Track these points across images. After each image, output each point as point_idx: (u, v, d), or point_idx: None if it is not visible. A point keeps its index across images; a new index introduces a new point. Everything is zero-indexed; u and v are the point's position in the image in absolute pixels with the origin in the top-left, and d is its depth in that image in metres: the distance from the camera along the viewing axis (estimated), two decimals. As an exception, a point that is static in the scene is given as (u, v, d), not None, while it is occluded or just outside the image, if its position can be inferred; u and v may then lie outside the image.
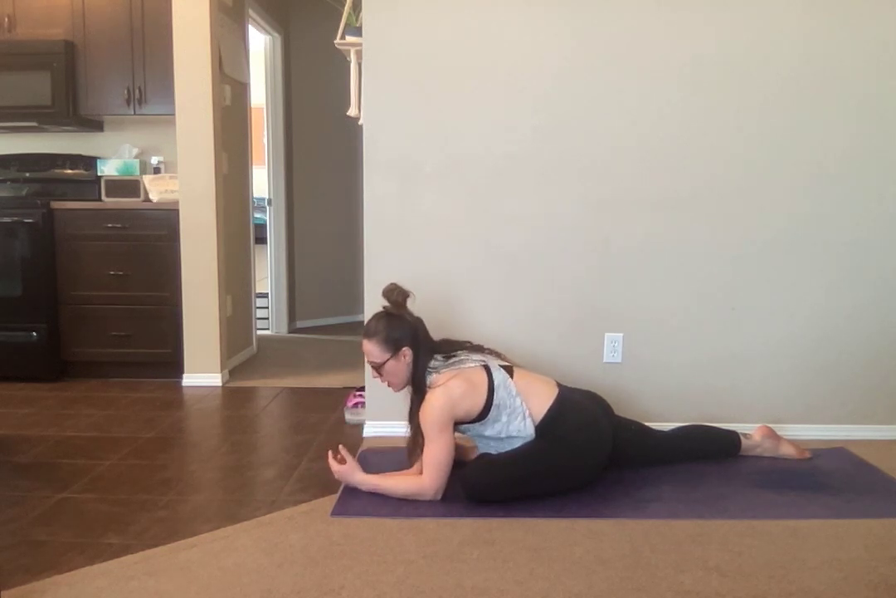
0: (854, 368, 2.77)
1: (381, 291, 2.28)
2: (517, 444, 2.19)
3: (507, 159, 2.71)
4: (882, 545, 1.89)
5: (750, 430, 2.57)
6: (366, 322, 2.31)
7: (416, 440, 2.21)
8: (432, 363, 2.25)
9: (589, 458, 2.22)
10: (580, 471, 2.23)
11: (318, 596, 1.64)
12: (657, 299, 2.76)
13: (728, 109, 2.67)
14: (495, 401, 2.16)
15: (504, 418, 2.18)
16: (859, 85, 2.66)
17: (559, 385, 2.30)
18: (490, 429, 2.20)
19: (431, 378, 2.22)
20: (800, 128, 2.68)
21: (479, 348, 2.34)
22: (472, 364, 2.24)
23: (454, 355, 2.28)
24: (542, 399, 2.21)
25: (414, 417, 2.22)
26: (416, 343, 2.23)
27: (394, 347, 2.22)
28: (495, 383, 2.19)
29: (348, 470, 2.21)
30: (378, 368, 2.26)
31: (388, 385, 2.31)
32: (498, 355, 2.35)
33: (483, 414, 2.17)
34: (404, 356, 2.23)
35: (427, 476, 2.14)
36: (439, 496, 2.15)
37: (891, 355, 2.76)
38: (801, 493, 2.23)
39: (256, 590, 1.66)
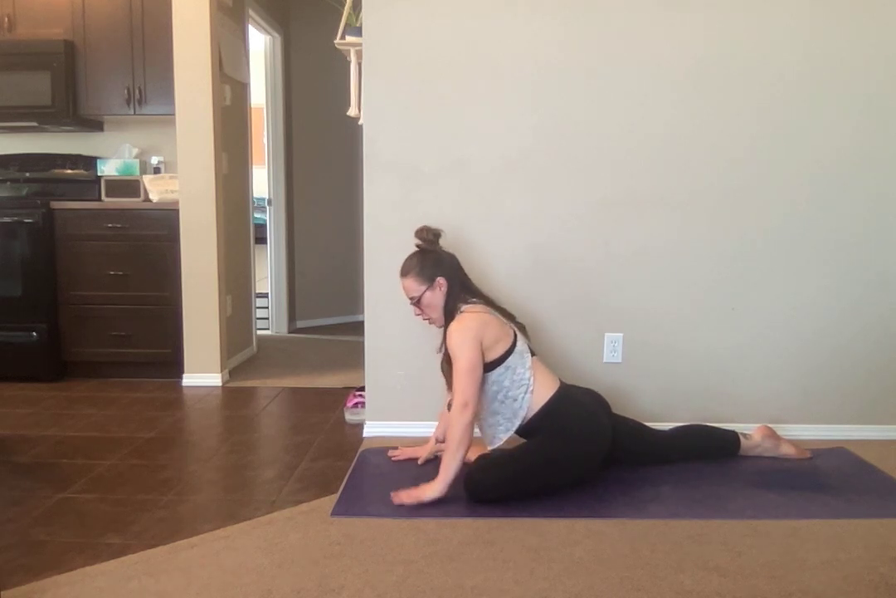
0: (854, 368, 2.77)
1: (413, 233, 2.37)
2: (508, 414, 2.23)
3: (507, 159, 2.71)
4: (882, 545, 1.89)
5: (750, 430, 2.57)
6: (402, 263, 2.37)
7: (449, 366, 2.25)
8: (465, 297, 2.32)
9: (588, 449, 2.23)
10: (579, 463, 2.22)
11: (318, 596, 1.64)
12: (657, 299, 2.76)
13: (728, 110, 2.67)
14: (509, 361, 2.22)
15: (507, 383, 2.22)
16: (860, 85, 2.66)
17: (561, 381, 2.32)
18: (494, 384, 2.23)
19: (464, 307, 2.28)
20: (800, 128, 2.68)
21: (510, 316, 2.39)
22: (504, 320, 2.32)
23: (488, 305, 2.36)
24: (545, 389, 2.25)
25: (444, 346, 2.29)
26: (450, 274, 2.32)
27: (429, 278, 2.30)
28: (516, 347, 2.25)
29: (416, 493, 2.14)
30: (417, 302, 2.32)
31: (430, 322, 2.37)
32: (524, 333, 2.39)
33: (500, 360, 2.22)
34: (440, 287, 2.30)
35: (458, 391, 2.15)
36: (474, 405, 2.15)
37: (891, 355, 2.76)
38: (801, 493, 2.23)
39: (256, 590, 1.66)
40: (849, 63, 2.65)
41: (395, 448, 2.60)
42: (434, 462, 2.45)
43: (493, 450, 2.34)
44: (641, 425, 2.47)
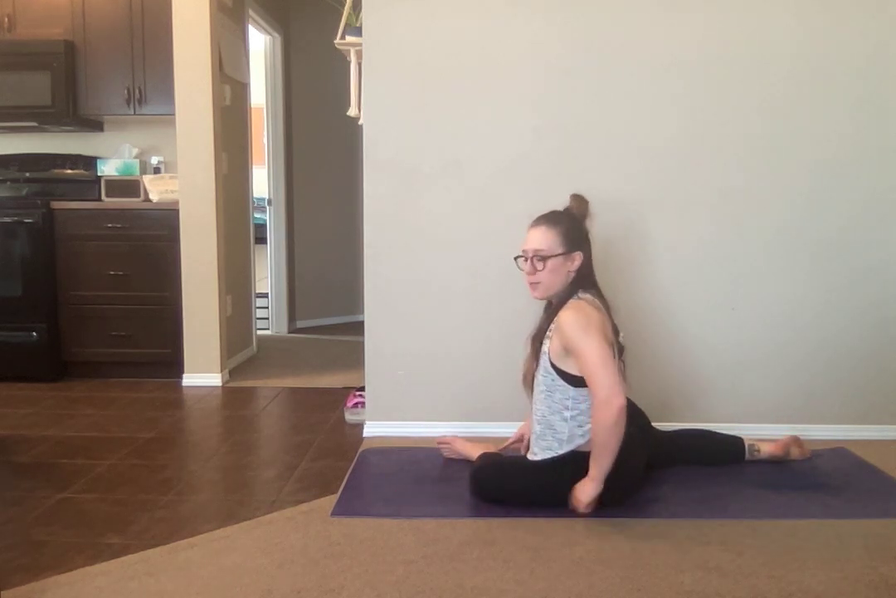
0: (854, 368, 2.77)
1: (571, 195, 2.17)
2: (563, 436, 2.04)
3: (507, 159, 2.71)
4: (882, 545, 1.89)
5: (749, 432, 2.57)
6: (544, 213, 2.16)
7: (533, 364, 2.12)
8: (588, 286, 2.10)
9: (610, 493, 2.04)
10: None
11: (318, 596, 1.63)
12: (657, 299, 2.76)
13: (728, 109, 2.67)
14: None
15: (584, 406, 2.01)
16: (859, 84, 2.66)
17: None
18: (571, 401, 2.03)
19: (581, 294, 2.07)
20: (799, 127, 2.68)
21: (617, 331, 2.14)
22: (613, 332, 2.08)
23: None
24: None
25: (537, 338, 2.12)
26: (588, 253, 2.10)
27: (570, 245, 2.06)
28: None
29: (581, 498, 1.98)
30: (543, 260, 2.07)
31: (533, 287, 2.13)
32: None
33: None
34: (574, 260, 2.07)
35: (595, 387, 1.91)
36: (622, 396, 1.89)
37: (891, 355, 2.76)
38: (801, 493, 2.23)
39: (256, 590, 1.66)
40: (848, 62, 2.64)
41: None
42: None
43: (502, 450, 2.34)
44: (648, 426, 2.40)
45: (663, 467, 2.39)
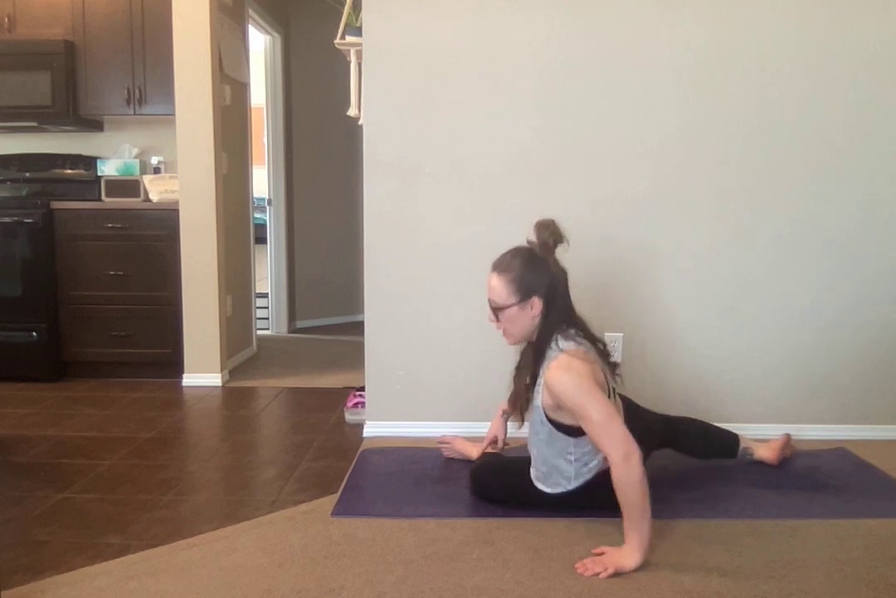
0: (854, 368, 2.77)
1: (533, 224, 1.97)
2: (569, 474, 1.98)
3: (508, 159, 2.71)
4: (882, 545, 1.89)
5: (749, 432, 2.57)
6: (500, 255, 1.99)
7: (518, 401, 2.01)
8: (563, 328, 1.93)
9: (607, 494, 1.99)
10: None
11: (318, 596, 1.64)
12: (657, 299, 2.76)
13: (728, 109, 2.67)
14: None
15: (587, 448, 1.94)
16: (859, 83, 2.66)
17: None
18: (571, 446, 1.96)
19: (561, 343, 1.91)
20: (799, 127, 2.68)
21: (605, 353, 2.02)
22: (601, 364, 1.95)
23: (588, 341, 1.97)
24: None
25: (522, 373, 2.01)
26: (551, 297, 1.92)
27: (524, 293, 1.91)
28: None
29: (613, 562, 1.76)
30: (497, 310, 1.96)
31: (503, 334, 2.02)
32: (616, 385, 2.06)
33: None
34: (531, 307, 1.92)
35: (606, 447, 1.78)
36: (637, 447, 1.76)
37: (891, 354, 2.76)
38: (801, 493, 2.23)
39: (256, 590, 1.66)
40: (848, 62, 2.64)
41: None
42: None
43: (502, 450, 2.35)
44: (637, 405, 2.30)
45: (653, 449, 2.25)
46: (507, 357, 2.75)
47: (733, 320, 2.76)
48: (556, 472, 2.01)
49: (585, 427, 1.83)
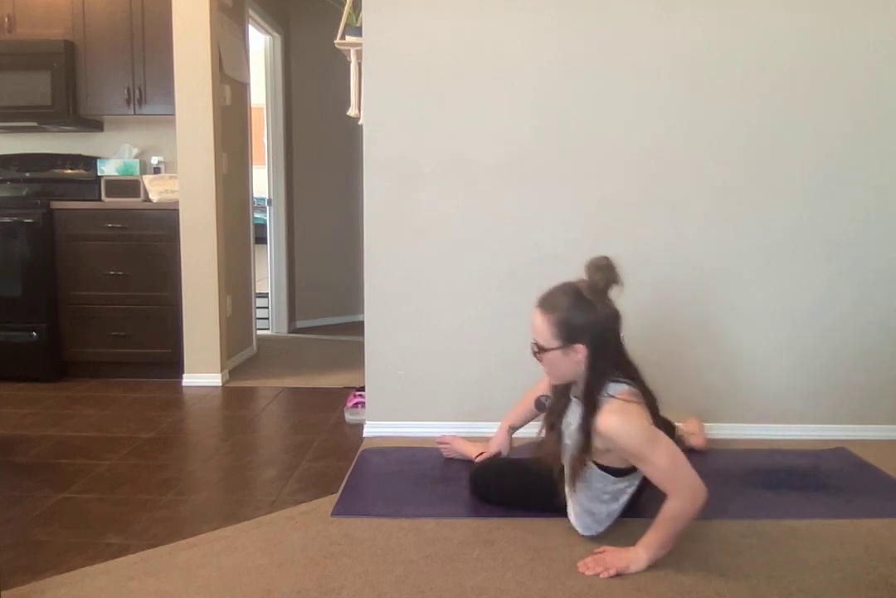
0: (854, 368, 2.77)
1: (585, 263, 1.81)
2: (601, 516, 1.89)
3: (508, 159, 2.71)
4: (882, 545, 1.89)
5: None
6: (547, 291, 1.84)
7: (557, 447, 1.90)
8: (613, 374, 1.80)
9: None
10: None
11: (318, 596, 1.64)
12: (657, 299, 2.76)
13: (728, 109, 2.67)
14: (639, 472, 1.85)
15: (631, 489, 1.88)
16: (859, 82, 2.66)
17: None
18: (610, 486, 1.87)
19: (611, 388, 1.78)
20: (799, 127, 2.68)
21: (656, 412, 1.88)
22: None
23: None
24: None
25: (556, 419, 1.90)
26: (598, 343, 1.76)
27: (567, 338, 1.76)
28: None
29: (615, 563, 1.75)
30: (539, 352, 1.82)
31: (545, 374, 1.89)
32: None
33: (633, 469, 1.84)
34: (575, 353, 1.77)
35: (681, 486, 1.71)
36: (705, 491, 1.71)
37: (891, 354, 2.76)
38: (801, 493, 2.23)
39: (256, 590, 1.66)
40: (847, 61, 2.64)
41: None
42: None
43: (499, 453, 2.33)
44: None
45: None
46: (507, 357, 2.76)
47: (733, 319, 2.76)
48: (588, 515, 1.91)
49: (647, 471, 1.75)
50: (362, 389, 2.92)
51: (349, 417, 3.00)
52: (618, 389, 1.78)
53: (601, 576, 1.72)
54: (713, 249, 2.74)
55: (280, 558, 1.81)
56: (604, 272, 1.78)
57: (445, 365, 2.79)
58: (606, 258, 1.80)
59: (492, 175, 2.72)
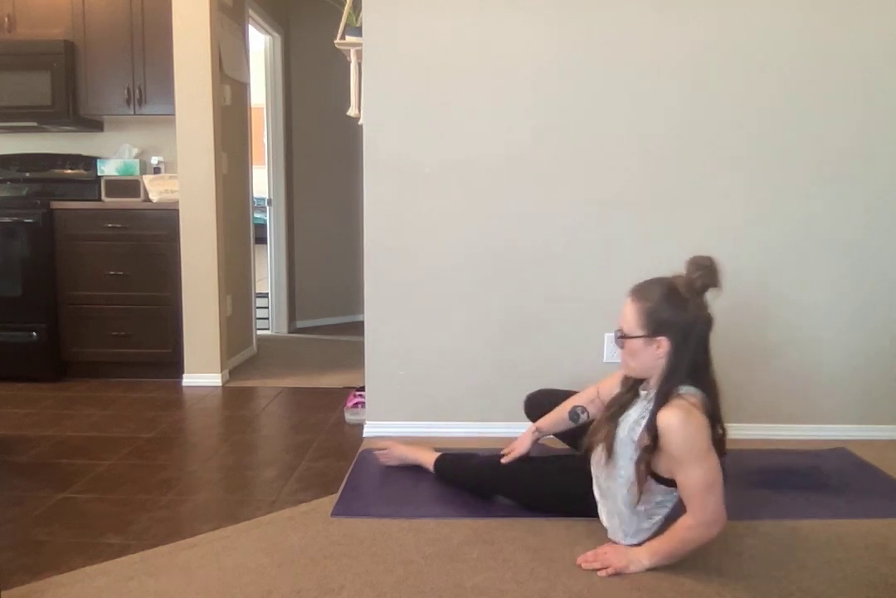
0: (854, 367, 2.77)
1: (687, 259, 1.77)
2: (632, 530, 1.83)
3: (507, 159, 2.71)
4: (882, 545, 1.89)
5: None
6: (642, 282, 1.82)
7: (604, 433, 1.84)
8: (689, 379, 1.76)
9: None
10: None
11: (318, 596, 1.64)
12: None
13: (728, 108, 2.67)
14: None
15: (671, 504, 1.80)
16: (859, 83, 2.66)
17: None
18: (655, 497, 1.80)
19: (683, 391, 1.74)
20: (800, 127, 2.68)
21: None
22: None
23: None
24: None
25: (617, 410, 1.86)
26: (681, 341, 1.74)
27: (653, 328, 1.74)
28: None
29: (615, 561, 1.75)
30: (622, 339, 1.80)
31: (622, 363, 1.87)
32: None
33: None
34: (658, 346, 1.75)
35: (696, 508, 1.68)
36: (725, 521, 1.69)
37: (891, 354, 2.76)
38: (801, 493, 2.23)
39: (256, 590, 1.66)
40: (848, 61, 2.64)
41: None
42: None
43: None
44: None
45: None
46: (507, 357, 2.77)
47: (733, 319, 2.76)
48: (617, 520, 1.85)
49: (680, 480, 1.70)
50: (362, 389, 2.92)
51: (349, 417, 3.00)
52: (690, 391, 1.74)
53: (600, 574, 1.72)
54: (713, 248, 2.72)
55: (280, 558, 1.81)
56: (703, 272, 1.75)
57: (445, 365, 2.79)
58: (710, 258, 1.77)
59: (492, 175, 2.72)
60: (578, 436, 2.00)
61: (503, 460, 2.15)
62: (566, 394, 2.23)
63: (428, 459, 2.33)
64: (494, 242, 2.75)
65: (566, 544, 1.89)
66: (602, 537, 1.90)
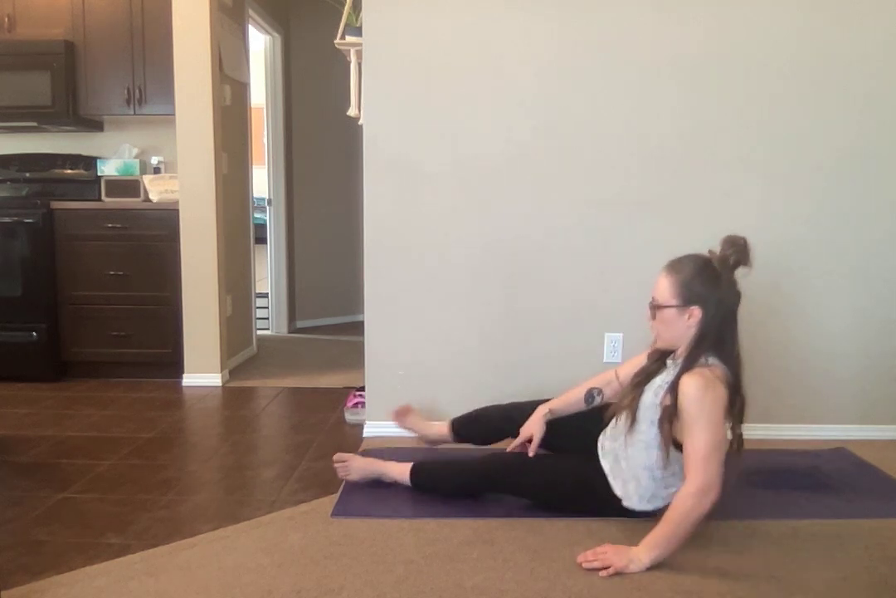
0: (854, 368, 2.77)
1: (723, 237, 1.87)
2: (647, 494, 1.90)
3: (507, 159, 2.71)
4: (882, 545, 1.89)
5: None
6: (676, 257, 1.91)
7: (628, 400, 1.92)
8: (716, 350, 1.83)
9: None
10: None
11: (318, 596, 1.64)
12: (657, 299, 2.76)
13: (729, 109, 2.67)
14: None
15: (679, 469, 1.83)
16: (860, 83, 2.66)
17: None
18: (673, 463, 1.85)
19: (710, 361, 1.82)
20: (800, 127, 2.68)
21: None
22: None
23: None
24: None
25: (644, 378, 1.93)
26: (712, 313, 1.81)
27: (686, 298, 1.83)
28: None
29: (616, 561, 1.75)
30: (655, 308, 1.89)
31: (654, 334, 1.95)
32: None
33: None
34: (690, 316, 1.83)
35: (694, 471, 1.73)
36: (719, 491, 1.72)
37: (892, 354, 2.76)
38: (801, 493, 2.23)
39: (256, 590, 1.66)
40: (849, 61, 2.64)
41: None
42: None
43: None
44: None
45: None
46: (507, 357, 2.77)
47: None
48: (634, 483, 1.91)
49: (685, 444, 1.77)
50: (362, 389, 2.92)
51: (349, 417, 3.00)
52: (715, 363, 1.82)
53: (600, 575, 1.72)
54: (713, 248, 2.73)
55: (280, 558, 1.81)
56: (736, 249, 1.84)
57: (445, 365, 2.79)
58: (743, 238, 1.86)
59: (492, 175, 2.72)
60: (558, 439, 2.13)
61: (509, 449, 2.20)
62: (501, 413, 2.33)
63: (396, 469, 2.23)
64: (494, 241, 2.75)
65: (566, 544, 1.89)
66: (602, 537, 1.91)
